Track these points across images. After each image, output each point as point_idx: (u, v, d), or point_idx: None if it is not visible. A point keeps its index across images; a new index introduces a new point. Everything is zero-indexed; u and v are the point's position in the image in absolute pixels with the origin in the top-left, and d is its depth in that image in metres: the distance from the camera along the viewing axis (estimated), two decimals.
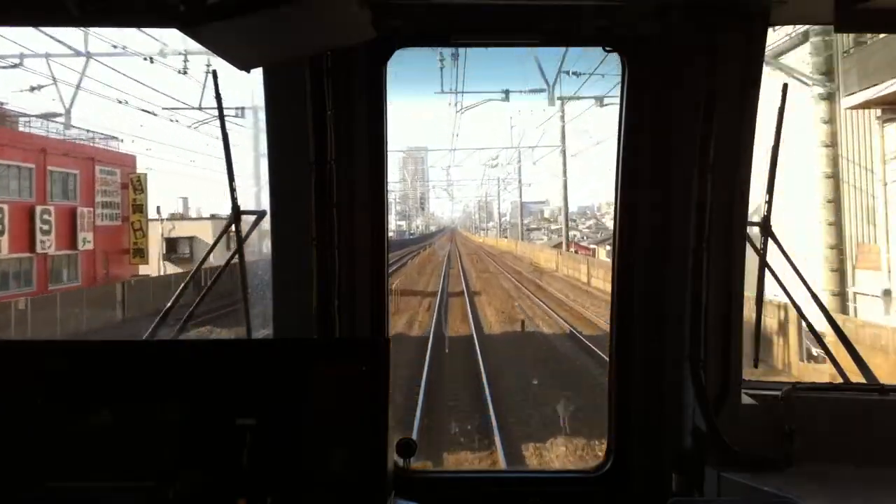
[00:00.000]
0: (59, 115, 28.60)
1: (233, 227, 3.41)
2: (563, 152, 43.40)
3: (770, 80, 3.07)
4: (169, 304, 3.44)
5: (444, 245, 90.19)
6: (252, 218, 3.47)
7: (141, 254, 35.29)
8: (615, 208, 3.54)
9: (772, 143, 3.38)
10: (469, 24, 3.38)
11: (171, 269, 36.81)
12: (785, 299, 3.47)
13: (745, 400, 3.21)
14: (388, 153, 3.56)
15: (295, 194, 3.32)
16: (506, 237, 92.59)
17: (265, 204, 3.42)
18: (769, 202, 3.38)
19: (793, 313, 15.87)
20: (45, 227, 29.94)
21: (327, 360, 2.73)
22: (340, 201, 3.35)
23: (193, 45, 2.66)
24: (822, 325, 3.55)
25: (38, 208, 29.70)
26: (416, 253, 67.08)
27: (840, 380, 3.34)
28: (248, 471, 2.60)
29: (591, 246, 52.80)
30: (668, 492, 3.16)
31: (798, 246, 16.24)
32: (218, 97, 3.49)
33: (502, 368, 18.16)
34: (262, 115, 3.31)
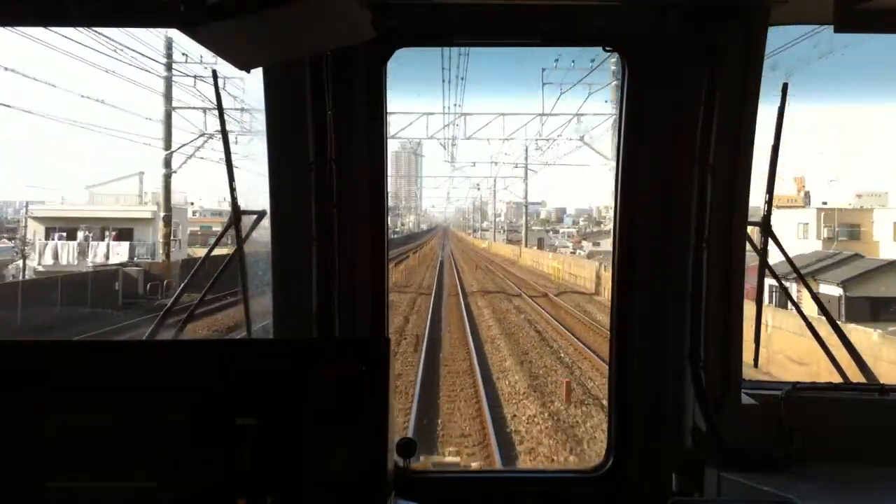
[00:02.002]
0: None
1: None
2: None
3: (770, 80, 3.07)
4: (169, 304, 3.45)
5: (433, 253, 62.88)
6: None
7: None
8: (615, 208, 3.54)
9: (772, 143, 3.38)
10: (469, 24, 3.39)
11: None
12: None
13: (745, 400, 3.21)
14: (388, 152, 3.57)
15: (295, 194, 3.32)
16: (509, 241, 72.26)
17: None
18: (769, 202, 3.38)
19: None
20: None
21: (327, 360, 2.73)
22: (340, 201, 3.35)
23: None
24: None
25: None
26: None
27: (840, 380, 3.34)
28: (248, 471, 2.60)
29: None
30: (668, 492, 3.16)
31: None
32: (218, 97, 3.49)
33: None
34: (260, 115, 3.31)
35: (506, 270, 47.09)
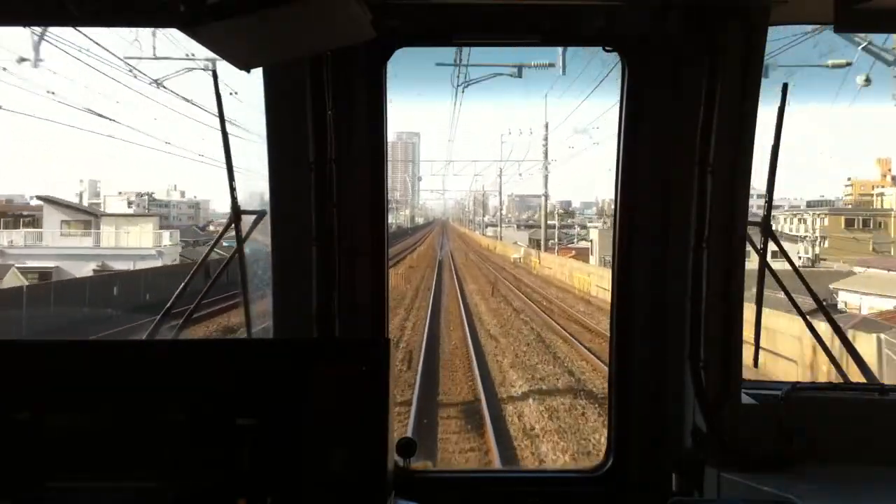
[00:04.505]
0: None
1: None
2: None
3: (770, 80, 3.07)
4: (169, 304, 3.45)
5: (420, 280, 36.40)
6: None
7: None
8: (615, 208, 3.54)
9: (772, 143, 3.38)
10: (469, 24, 3.39)
11: None
12: None
13: (745, 400, 3.21)
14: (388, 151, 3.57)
15: (295, 194, 3.32)
16: (540, 241, 47.79)
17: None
18: (769, 202, 3.38)
19: None
20: None
21: (327, 360, 2.74)
22: (340, 201, 3.35)
23: None
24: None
25: None
26: None
27: (840, 380, 3.34)
28: (248, 471, 2.60)
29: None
30: (668, 492, 3.16)
31: None
32: (218, 97, 3.49)
33: None
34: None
35: None
